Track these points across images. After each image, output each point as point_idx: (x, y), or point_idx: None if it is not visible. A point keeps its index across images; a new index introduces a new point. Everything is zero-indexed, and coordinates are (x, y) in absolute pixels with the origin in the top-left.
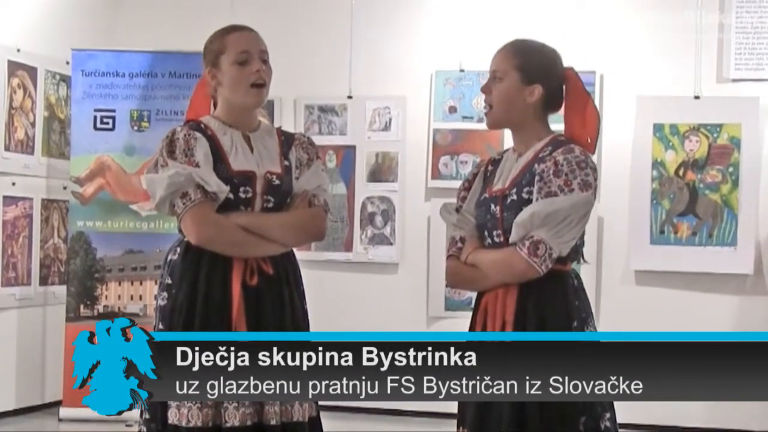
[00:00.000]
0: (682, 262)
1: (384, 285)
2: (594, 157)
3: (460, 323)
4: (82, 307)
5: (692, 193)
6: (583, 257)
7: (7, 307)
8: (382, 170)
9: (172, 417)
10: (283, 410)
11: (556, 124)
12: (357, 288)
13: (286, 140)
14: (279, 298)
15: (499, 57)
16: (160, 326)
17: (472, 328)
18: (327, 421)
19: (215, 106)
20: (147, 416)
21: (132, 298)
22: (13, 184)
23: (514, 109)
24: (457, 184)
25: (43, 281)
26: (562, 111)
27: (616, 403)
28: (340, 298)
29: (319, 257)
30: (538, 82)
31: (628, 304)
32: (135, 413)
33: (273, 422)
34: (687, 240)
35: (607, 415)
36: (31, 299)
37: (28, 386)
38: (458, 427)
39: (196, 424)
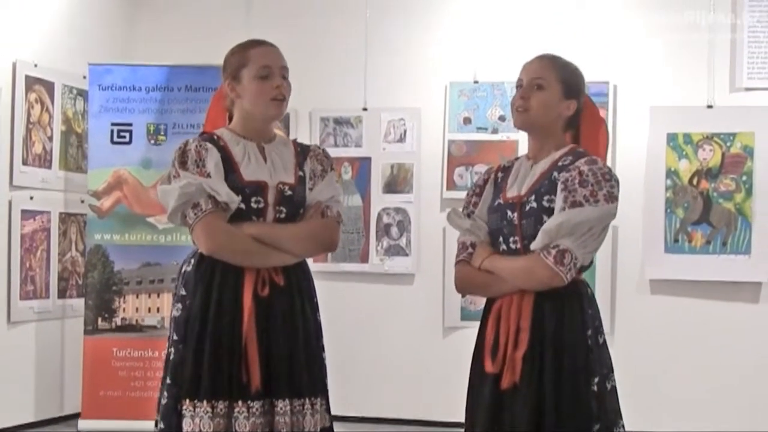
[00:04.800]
0: (697, 271)
1: (400, 296)
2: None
3: (475, 333)
4: (100, 319)
5: (706, 202)
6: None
7: (26, 320)
8: (398, 181)
9: (186, 426)
10: (294, 420)
11: None
12: (373, 299)
13: (302, 151)
14: (290, 309)
15: (540, 66)
16: (175, 337)
17: (481, 333)
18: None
19: (230, 119)
20: (162, 426)
21: (149, 310)
22: (31, 198)
23: (550, 118)
24: None
25: (61, 294)
26: None
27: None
28: (356, 309)
29: (336, 268)
30: (574, 98)
31: (643, 313)
32: (150, 424)
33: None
34: (701, 248)
35: (621, 422)
36: (49, 312)
37: (46, 398)
38: None
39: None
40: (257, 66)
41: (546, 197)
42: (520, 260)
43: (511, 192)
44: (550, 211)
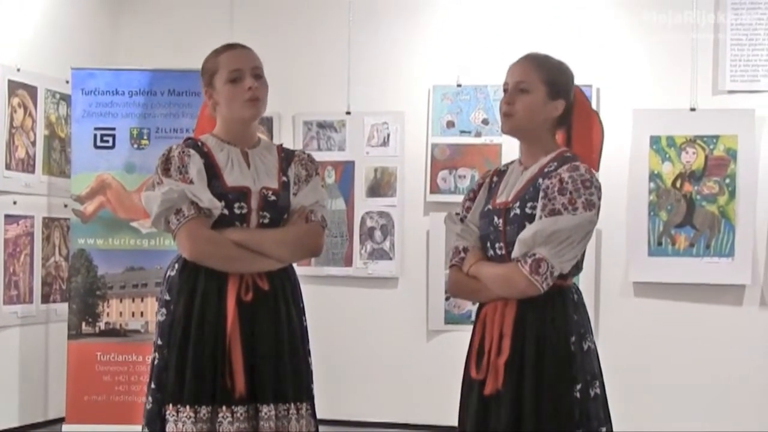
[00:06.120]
0: (680, 274)
1: (384, 299)
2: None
3: (459, 337)
4: (83, 324)
5: (689, 205)
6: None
7: (9, 325)
8: (381, 185)
9: (170, 430)
10: (279, 425)
11: None
12: (357, 303)
13: (286, 157)
14: (275, 314)
15: (523, 68)
16: (159, 342)
17: (472, 338)
18: None
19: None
20: (146, 430)
21: (133, 315)
22: (15, 202)
23: (536, 121)
24: (455, 198)
25: (45, 299)
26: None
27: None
28: (340, 313)
29: (319, 272)
30: (562, 98)
31: (627, 316)
32: (134, 428)
33: None
34: (685, 251)
35: (603, 429)
36: (33, 317)
37: (30, 403)
38: None
39: None
40: (227, 70)
41: (529, 204)
42: (499, 268)
43: (501, 198)
44: (532, 218)
